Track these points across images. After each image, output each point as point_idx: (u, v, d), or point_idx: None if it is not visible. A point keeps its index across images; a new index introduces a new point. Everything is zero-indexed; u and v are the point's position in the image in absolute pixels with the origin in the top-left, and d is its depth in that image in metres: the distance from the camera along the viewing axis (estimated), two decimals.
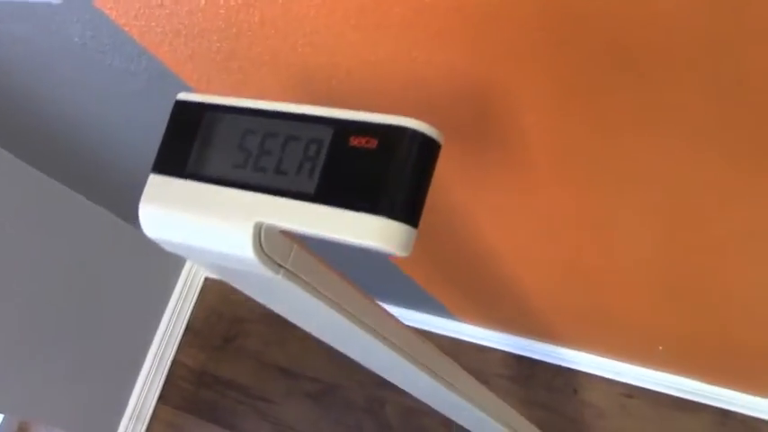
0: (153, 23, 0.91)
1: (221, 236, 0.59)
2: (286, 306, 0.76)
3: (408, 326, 0.79)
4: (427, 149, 0.56)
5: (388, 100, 0.88)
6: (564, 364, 1.76)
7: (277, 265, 0.60)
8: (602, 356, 1.71)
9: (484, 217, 1.13)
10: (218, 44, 0.90)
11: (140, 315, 2.14)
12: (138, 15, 0.90)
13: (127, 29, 0.95)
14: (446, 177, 1.03)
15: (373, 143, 0.55)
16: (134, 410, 2.11)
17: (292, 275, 0.61)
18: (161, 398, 2.15)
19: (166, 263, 2.21)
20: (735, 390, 1.58)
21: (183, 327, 2.20)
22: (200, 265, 0.64)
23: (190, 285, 2.23)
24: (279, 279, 0.60)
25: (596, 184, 0.91)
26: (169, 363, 2.18)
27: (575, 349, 1.74)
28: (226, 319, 2.17)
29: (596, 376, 1.72)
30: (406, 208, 0.55)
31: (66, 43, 1.04)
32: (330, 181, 0.56)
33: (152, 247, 2.06)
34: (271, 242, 0.58)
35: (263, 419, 2.00)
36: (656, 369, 1.66)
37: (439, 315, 1.85)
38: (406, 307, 1.88)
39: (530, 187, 0.98)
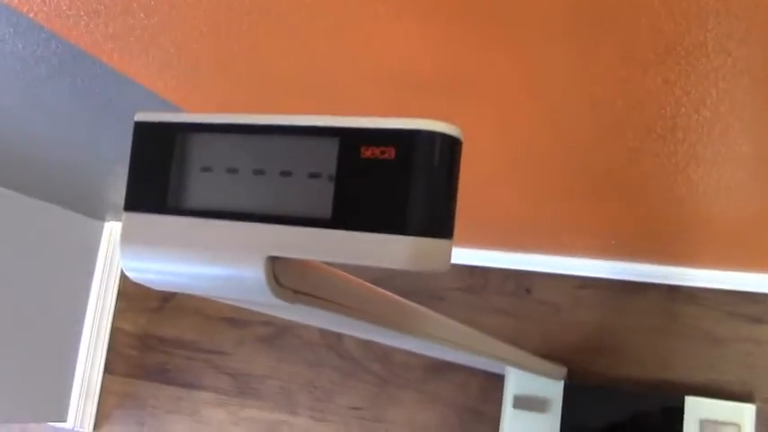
0: (64, 7, 0.80)
1: (227, 276, 0.52)
2: (302, 315, 0.70)
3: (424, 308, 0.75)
4: (451, 151, 0.50)
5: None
6: (513, 267, 1.76)
7: (294, 293, 0.54)
8: (552, 255, 1.72)
9: None
10: (146, 21, 0.80)
11: (68, 292, 2.02)
12: (45, 0, 0.79)
13: (31, 15, 0.83)
14: None
15: (390, 153, 0.49)
16: (81, 387, 2.02)
17: (312, 298, 0.56)
18: (107, 369, 2.05)
19: (84, 235, 2.08)
20: (680, 266, 1.63)
21: (115, 294, 2.09)
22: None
23: (113, 252, 2.11)
24: (297, 306, 0.55)
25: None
26: (107, 333, 2.07)
27: (522, 252, 1.75)
28: None
29: (546, 274, 1.73)
30: (440, 222, 0.49)
31: None
32: (347, 202, 0.49)
33: (68, 225, 1.93)
34: (286, 274, 0.52)
35: (220, 372, 1.94)
36: (605, 259, 1.68)
37: None
38: None
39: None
